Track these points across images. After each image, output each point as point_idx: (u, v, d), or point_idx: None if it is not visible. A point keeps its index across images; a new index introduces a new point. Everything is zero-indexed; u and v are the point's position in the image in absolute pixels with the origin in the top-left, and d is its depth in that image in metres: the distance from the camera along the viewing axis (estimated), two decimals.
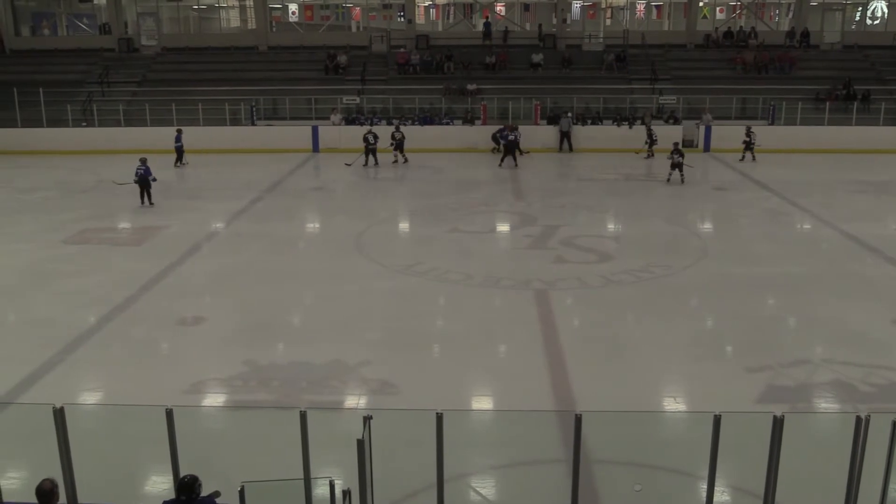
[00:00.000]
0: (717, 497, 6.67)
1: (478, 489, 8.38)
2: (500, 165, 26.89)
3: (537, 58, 34.81)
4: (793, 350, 11.86)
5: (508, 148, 27.33)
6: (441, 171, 26.62)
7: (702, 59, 35.75)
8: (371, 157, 27.34)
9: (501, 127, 29.19)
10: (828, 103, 31.30)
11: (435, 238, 18.36)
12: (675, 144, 23.41)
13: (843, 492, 6.49)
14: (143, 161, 21.18)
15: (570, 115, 30.40)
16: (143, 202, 21.00)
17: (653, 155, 28.06)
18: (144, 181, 20.97)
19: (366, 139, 27.15)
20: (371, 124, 29.74)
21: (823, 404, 10.33)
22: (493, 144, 29.49)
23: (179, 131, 27.22)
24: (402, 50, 35.77)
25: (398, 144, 27.84)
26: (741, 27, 37.97)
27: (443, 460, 6.51)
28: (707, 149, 30.00)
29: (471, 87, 32.79)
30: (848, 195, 22.71)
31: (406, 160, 27.77)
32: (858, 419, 6.29)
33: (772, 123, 30.94)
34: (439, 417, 6.38)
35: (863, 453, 6.33)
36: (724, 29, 37.51)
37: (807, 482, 7.19)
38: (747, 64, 34.46)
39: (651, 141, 28.34)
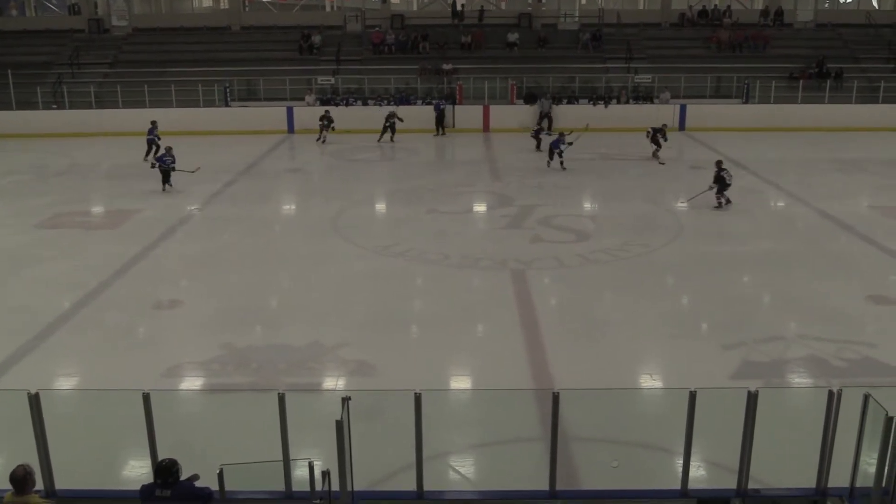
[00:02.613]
0: (692, 472, 6.75)
1: (457, 468, 8.43)
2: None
3: (513, 37, 34.70)
4: (767, 327, 12.00)
5: (438, 119, 28.71)
6: (417, 153, 26.56)
7: (677, 38, 35.80)
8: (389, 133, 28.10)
9: (437, 100, 29.97)
10: (801, 82, 31.51)
11: (412, 219, 18.34)
12: (719, 163, 19.92)
13: (816, 465, 6.60)
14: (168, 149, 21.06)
15: (548, 95, 30.37)
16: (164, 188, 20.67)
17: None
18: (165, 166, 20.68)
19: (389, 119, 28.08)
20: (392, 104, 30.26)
21: (797, 379, 10.47)
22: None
23: (154, 123, 25.24)
24: (376, 30, 35.52)
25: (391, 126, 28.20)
26: (716, 6, 38.03)
27: (422, 440, 6.53)
28: (682, 127, 30.13)
29: (446, 67, 32.65)
30: (822, 173, 22.93)
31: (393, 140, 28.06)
32: (831, 393, 6.38)
33: (746, 102, 31.12)
34: (417, 397, 6.39)
35: (835, 427, 6.43)
36: (699, 7, 37.55)
37: (781, 456, 7.29)
38: (722, 42, 34.57)
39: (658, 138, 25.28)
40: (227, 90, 31.39)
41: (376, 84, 32.09)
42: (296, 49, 34.65)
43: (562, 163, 22.95)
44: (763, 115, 30.14)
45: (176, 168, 20.50)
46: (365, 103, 30.88)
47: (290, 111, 30.34)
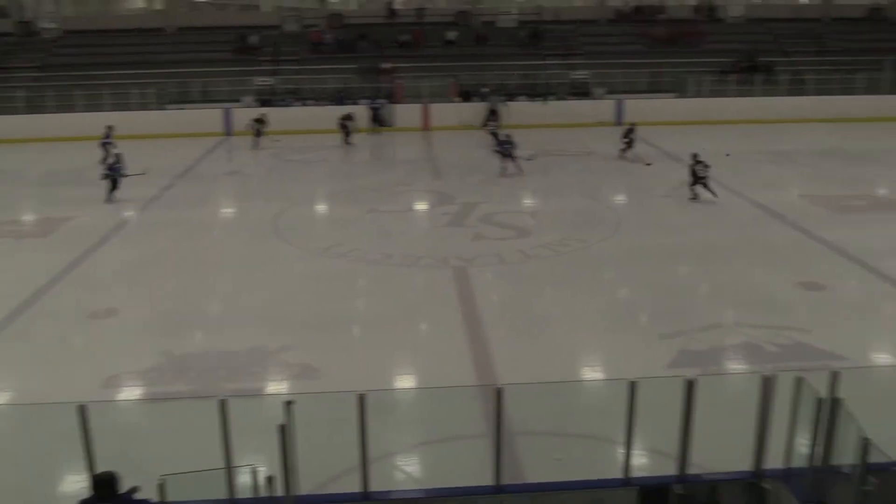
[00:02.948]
0: (634, 460, 6.86)
1: (403, 467, 8.43)
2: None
3: (452, 35, 34.80)
4: (704, 315, 12.26)
5: (376, 119, 28.80)
6: (357, 152, 26.44)
7: (613, 35, 36.31)
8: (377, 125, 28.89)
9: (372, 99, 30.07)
10: (734, 75, 32.23)
11: (353, 219, 18.26)
12: (695, 156, 19.53)
13: (752, 448, 6.76)
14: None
15: (497, 92, 30.55)
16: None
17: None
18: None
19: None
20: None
21: (733, 366, 10.73)
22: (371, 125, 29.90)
23: (110, 128, 24.09)
24: (315, 29, 35.26)
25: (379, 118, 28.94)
26: (650, 2, 38.68)
27: (366, 441, 6.52)
28: (620, 122, 30.55)
29: (385, 65, 32.56)
30: (754, 164, 23.48)
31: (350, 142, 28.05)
32: (765, 378, 6.55)
33: (681, 96, 31.72)
34: (361, 398, 6.37)
35: (770, 411, 6.60)
36: (634, 4, 38.13)
37: (719, 441, 7.44)
38: (657, 38, 35.18)
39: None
40: (162, 93, 30.76)
41: (315, 84, 31.85)
42: (232, 50, 34.19)
43: (505, 169, 22.09)
44: (698, 108, 30.76)
45: (126, 174, 20.05)
46: (304, 104, 30.62)
47: (227, 113, 29.93)
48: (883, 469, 5.72)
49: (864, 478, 5.52)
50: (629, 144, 24.40)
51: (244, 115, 29.36)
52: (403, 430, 9.19)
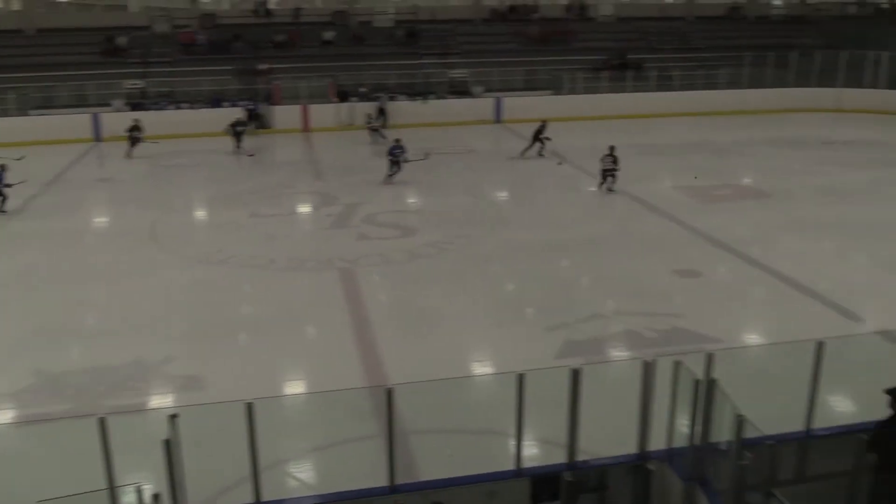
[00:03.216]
0: (525, 451, 6.98)
1: (295, 474, 8.30)
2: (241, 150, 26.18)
3: (329, 35, 34.51)
4: (587, 306, 12.63)
5: (255, 119, 27.71)
6: (235, 156, 25.82)
7: (489, 34, 36.87)
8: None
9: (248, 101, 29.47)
10: (606, 73, 33.32)
11: (235, 224, 17.84)
12: (612, 148, 20.24)
13: (636, 432, 7.01)
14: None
15: (385, 91, 30.47)
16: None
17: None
18: None
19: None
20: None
21: (616, 353, 11.09)
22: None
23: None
24: (186, 30, 34.23)
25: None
26: (524, 2, 39.48)
27: (256, 450, 6.38)
28: (498, 119, 31.08)
29: (262, 66, 31.97)
30: (629, 158, 24.19)
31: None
32: (645, 364, 6.80)
33: (556, 93, 32.53)
34: (249, 407, 6.23)
35: (652, 394, 6.85)
36: (509, 3, 38.82)
37: (606, 427, 7.66)
38: (531, 37, 35.95)
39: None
40: (24, 98, 29.16)
41: (189, 87, 30.92)
42: (99, 52, 32.76)
43: (392, 175, 21.22)
44: (572, 105, 31.62)
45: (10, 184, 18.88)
46: (178, 107, 29.68)
47: (95, 118, 28.65)
48: (756, 443, 6.03)
49: (740, 453, 5.80)
50: (541, 142, 24.52)
51: (114, 119, 28.18)
52: (294, 436, 9.05)
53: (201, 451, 7.61)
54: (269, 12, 36.05)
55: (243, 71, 31.84)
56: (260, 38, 34.15)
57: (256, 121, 28.99)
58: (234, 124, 26.35)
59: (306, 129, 30.01)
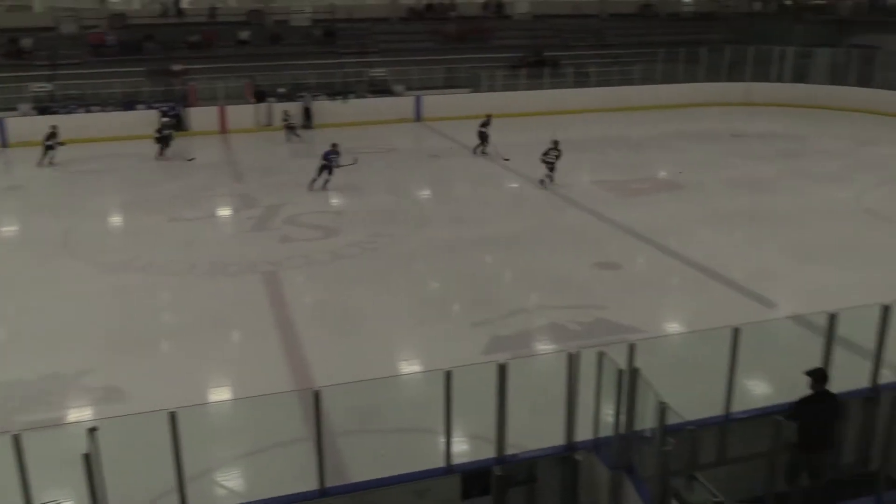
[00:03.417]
0: (455, 448, 7.02)
1: (223, 483, 8.16)
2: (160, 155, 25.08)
3: (244, 35, 33.94)
4: (511, 302, 12.77)
5: (165, 132, 25.63)
6: (150, 159, 25.14)
7: (407, 32, 36.85)
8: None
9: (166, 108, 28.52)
10: (524, 70, 33.69)
11: (153, 229, 17.38)
12: (555, 143, 20.44)
13: (563, 423, 7.11)
14: None
15: (309, 91, 30.10)
16: None
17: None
18: None
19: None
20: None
21: (541, 347, 11.25)
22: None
23: None
24: (95, 31, 33.16)
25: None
26: (441, 0, 39.59)
27: (181, 460, 6.24)
28: (419, 118, 31.10)
29: (176, 67, 31.22)
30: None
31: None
32: (570, 356, 6.91)
33: (475, 91, 32.73)
34: (172, 416, 6.10)
35: (577, 386, 6.96)
36: (426, 2, 38.87)
37: (534, 420, 7.76)
38: (449, 35, 36.09)
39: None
40: None
41: (100, 89, 29.95)
42: (2, 54, 31.42)
43: (327, 182, 20.38)
44: (491, 102, 31.73)
45: None
46: (88, 110, 28.73)
47: (1, 123, 27.45)
48: (679, 429, 6.20)
49: (664, 439, 5.96)
50: (484, 139, 24.38)
51: (21, 124, 27.09)
52: (221, 443, 8.88)
53: (124, 464, 7.41)
54: (180, 12, 35.19)
55: (156, 72, 31.03)
56: (173, 38, 33.33)
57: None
58: (162, 129, 25.36)
59: (224, 130, 29.43)
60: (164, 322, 12.69)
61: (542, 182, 20.26)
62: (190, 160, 24.08)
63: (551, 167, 20.22)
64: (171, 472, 6.27)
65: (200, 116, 29.22)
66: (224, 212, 19.34)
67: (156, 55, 32.27)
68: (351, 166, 20.80)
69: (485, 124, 24.56)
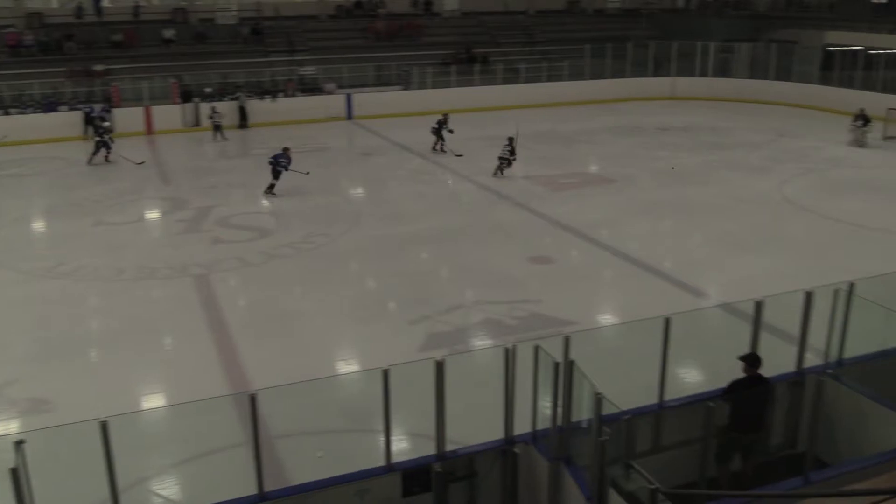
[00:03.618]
0: (395, 446, 7.02)
1: (158, 492, 8.00)
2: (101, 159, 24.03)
3: (169, 33, 33.22)
4: (447, 298, 12.81)
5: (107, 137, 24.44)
6: (75, 163, 24.43)
7: (336, 30, 36.56)
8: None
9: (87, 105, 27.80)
10: (454, 67, 33.78)
11: (78, 234, 16.89)
12: (511, 139, 21.16)
13: (502, 417, 7.17)
14: None
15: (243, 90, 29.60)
16: None
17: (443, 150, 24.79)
18: None
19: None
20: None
21: (478, 342, 11.31)
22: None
23: None
24: (10, 30, 32.02)
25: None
26: None
27: (114, 471, 6.09)
28: (350, 116, 30.92)
29: (98, 67, 30.37)
30: (479, 150, 24.73)
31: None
32: (507, 350, 6.97)
33: (406, 88, 32.70)
34: (104, 426, 5.94)
35: (514, 380, 7.03)
36: None
37: (473, 415, 7.81)
38: (379, 32, 35.96)
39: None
40: None
41: (17, 90, 28.93)
42: None
43: (273, 186, 19.65)
44: (422, 99, 31.83)
45: None
46: (6, 112, 27.72)
47: None
48: (615, 419, 6.31)
49: (600, 429, 6.06)
50: (440, 136, 24.31)
51: None
52: (156, 451, 8.70)
53: (54, 477, 7.21)
54: (100, 11, 34.21)
55: (78, 73, 30.12)
56: (95, 37, 32.43)
57: (91, 124, 27.42)
58: (102, 132, 24.33)
59: (150, 132, 28.76)
60: (92, 329, 12.36)
61: (497, 173, 21.06)
62: (139, 163, 23.39)
63: (503, 161, 20.93)
64: (104, 483, 6.12)
65: (125, 118, 28.43)
66: (153, 215, 18.90)
67: (77, 55, 31.35)
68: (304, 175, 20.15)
69: (441, 122, 24.56)
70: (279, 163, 19.56)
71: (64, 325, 12.19)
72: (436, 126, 24.47)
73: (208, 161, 24.79)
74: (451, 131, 24.28)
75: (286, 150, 19.88)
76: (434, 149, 24.50)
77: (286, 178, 19.64)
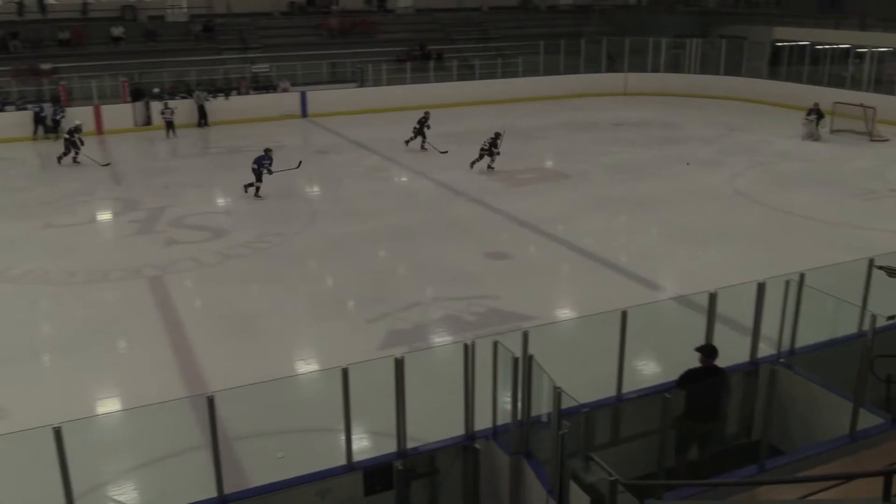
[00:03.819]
0: (356, 445, 7.00)
1: (115, 497, 7.87)
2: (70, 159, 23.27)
3: (118, 31, 32.65)
4: (405, 295, 12.80)
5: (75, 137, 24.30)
6: (21, 163, 23.90)
7: (290, 27, 36.27)
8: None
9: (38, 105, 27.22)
10: (409, 64, 33.72)
11: (26, 237, 16.51)
12: (497, 135, 21.19)
13: (462, 413, 7.19)
14: None
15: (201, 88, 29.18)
16: None
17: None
18: None
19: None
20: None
21: (437, 339, 11.32)
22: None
23: None
24: None
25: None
26: None
27: (69, 477, 5.98)
28: (305, 114, 30.70)
29: (45, 66, 29.72)
30: (435, 147, 24.78)
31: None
32: (466, 346, 6.99)
33: (361, 86, 32.57)
34: (57, 432, 5.83)
35: (474, 376, 7.06)
36: None
37: (434, 412, 7.81)
38: (333, 29, 35.75)
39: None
40: None
41: None
42: None
43: (253, 187, 19.13)
44: (377, 97, 31.75)
45: None
46: None
47: None
48: (574, 412, 6.36)
49: (560, 423, 6.10)
50: (422, 133, 24.05)
51: None
52: (113, 456, 8.56)
53: (6, 484, 7.06)
54: (44, 8, 33.45)
55: (24, 71, 29.43)
56: (41, 35, 31.73)
57: (41, 124, 26.85)
58: (71, 132, 23.63)
59: (100, 131, 28.21)
60: (44, 334, 12.11)
61: (488, 167, 21.12)
62: (106, 165, 22.87)
63: (483, 152, 21.08)
64: (59, 489, 6.01)
65: (74, 117, 27.84)
66: (104, 216, 18.56)
67: (22, 54, 30.64)
68: (295, 169, 19.88)
69: (422, 120, 24.40)
70: (262, 165, 19.03)
71: (14, 329, 11.91)
72: (417, 126, 24.29)
73: (161, 161, 24.43)
74: (428, 127, 24.22)
75: (267, 151, 19.32)
76: (407, 142, 24.27)
77: (236, 175, 19.42)
